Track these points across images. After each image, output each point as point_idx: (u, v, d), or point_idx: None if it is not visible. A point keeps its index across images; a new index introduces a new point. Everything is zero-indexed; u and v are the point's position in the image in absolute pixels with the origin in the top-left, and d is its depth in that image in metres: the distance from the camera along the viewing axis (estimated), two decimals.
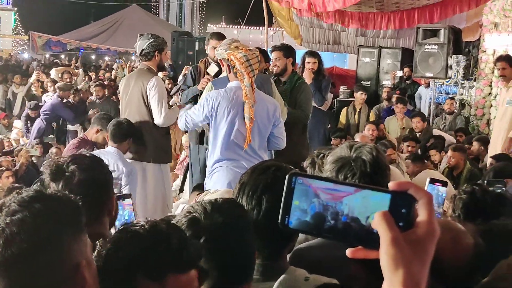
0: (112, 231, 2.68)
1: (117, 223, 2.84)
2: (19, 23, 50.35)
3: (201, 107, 5.09)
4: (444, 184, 3.68)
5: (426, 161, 7.77)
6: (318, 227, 1.04)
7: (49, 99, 11.42)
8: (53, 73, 14.48)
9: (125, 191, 5.19)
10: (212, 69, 6.48)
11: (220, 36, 6.82)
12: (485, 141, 8.86)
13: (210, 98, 5.04)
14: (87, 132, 6.67)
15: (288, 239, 2.28)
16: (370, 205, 1.02)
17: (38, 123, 10.73)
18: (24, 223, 1.51)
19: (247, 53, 5.02)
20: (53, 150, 9.24)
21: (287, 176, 1.06)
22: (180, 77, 13.89)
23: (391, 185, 1.04)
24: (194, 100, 6.39)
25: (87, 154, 2.93)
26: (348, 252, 1.05)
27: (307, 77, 7.88)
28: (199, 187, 5.42)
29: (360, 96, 11.01)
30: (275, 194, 2.11)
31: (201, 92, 6.09)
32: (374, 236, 1.00)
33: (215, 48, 6.56)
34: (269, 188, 2.18)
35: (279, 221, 1.06)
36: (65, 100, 11.04)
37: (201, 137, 6.72)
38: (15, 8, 50.26)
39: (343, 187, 1.04)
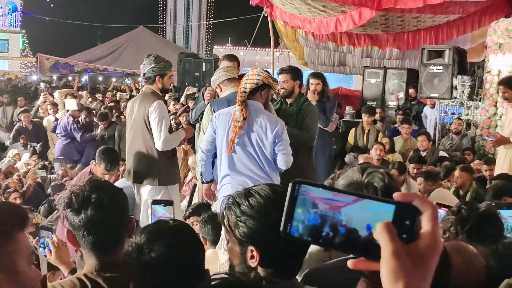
0: None
1: None
2: (27, 45, 50.71)
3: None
4: (449, 208, 3.68)
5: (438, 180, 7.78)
6: (316, 236, 1.03)
7: (60, 117, 11.49)
8: (56, 95, 14.55)
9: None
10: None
11: (232, 58, 6.92)
12: (489, 162, 8.85)
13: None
14: (95, 169, 6.69)
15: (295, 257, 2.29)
16: (369, 216, 1.01)
17: (60, 143, 10.91)
18: None
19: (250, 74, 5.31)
20: (59, 171, 9.30)
21: (290, 184, 1.05)
22: (183, 98, 13.99)
23: (395, 196, 1.02)
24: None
25: (103, 180, 2.96)
26: (350, 263, 1.03)
27: (311, 99, 7.88)
28: (202, 207, 5.59)
29: (365, 119, 11.00)
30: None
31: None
32: (376, 247, 0.98)
33: None
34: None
35: (281, 229, 1.05)
36: (76, 120, 11.13)
37: None
38: (23, 31, 50.62)
39: (342, 197, 1.02)
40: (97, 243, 2.55)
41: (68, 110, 11.65)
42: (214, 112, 5.62)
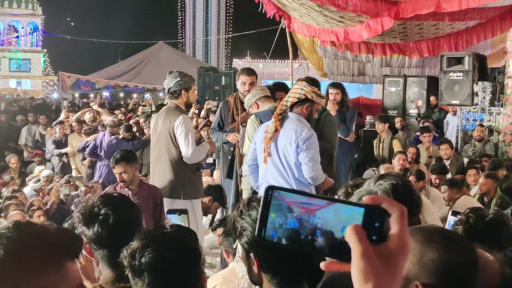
0: None
1: None
2: (48, 64, 51.35)
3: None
4: None
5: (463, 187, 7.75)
6: (293, 240, 1.05)
7: (97, 138, 11.30)
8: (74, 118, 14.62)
9: None
10: None
11: (250, 71, 7.01)
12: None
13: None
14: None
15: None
16: (343, 218, 1.03)
17: (107, 166, 10.77)
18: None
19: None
20: (82, 188, 9.36)
21: (264, 189, 1.07)
22: (203, 112, 14.05)
23: (365, 199, 1.04)
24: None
25: (115, 194, 3.00)
26: (322, 265, 1.05)
27: (331, 109, 7.91)
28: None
29: (377, 128, 11.01)
30: None
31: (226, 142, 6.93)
32: (347, 249, 1.00)
33: (245, 83, 6.82)
34: None
35: (256, 233, 1.07)
36: (120, 136, 11.04)
37: (230, 171, 6.91)
38: (45, 50, 51.28)
39: (316, 200, 1.04)
40: (109, 256, 2.63)
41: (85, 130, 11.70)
42: (261, 122, 5.85)
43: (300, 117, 5.38)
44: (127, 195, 5.68)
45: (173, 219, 3.56)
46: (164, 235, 2.25)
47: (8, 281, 1.58)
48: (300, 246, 1.04)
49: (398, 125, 11.95)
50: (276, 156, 5.39)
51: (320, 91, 7.08)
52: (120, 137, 11.00)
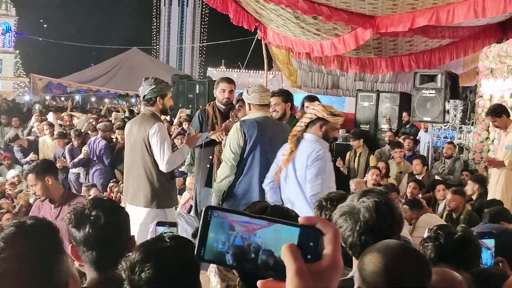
0: None
1: None
2: (20, 65, 50.81)
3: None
4: None
5: (424, 206, 7.84)
6: (237, 257, 1.07)
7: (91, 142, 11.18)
8: (50, 117, 14.49)
9: None
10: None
11: (229, 80, 7.06)
12: (480, 180, 8.94)
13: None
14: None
15: None
16: (281, 238, 1.05)
17: (101, 171, 10.71)
18: (15, 259, 1.67)
19: None
20: None
21: (203, 209, 1.09)
22: (176, 120, 14.00)
23: (300, 219, 1.07)
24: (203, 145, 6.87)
25: (105, 198, 3.02)
26: (259, 283, 1.07)
27: None
28: None
29: (353, 144, 11.20)
30: None
31: (212, 140, 6.73)
32: (283, 268, 1.02)
33: (224, 90, 6.82)
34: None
35: (195, 252, 1.08)
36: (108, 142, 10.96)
37: (209, 180, 6.88)
38: (17, 51, 50.73)
39: (257, 220, 1.07)
40: (96, 259, 2.65)
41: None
42: (244, 131, 5.78)
43: (317, 137, 5.30)
44: (49, 209, 5.63)
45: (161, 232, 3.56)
46: (164, 250, 2.22)
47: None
48: (243, 264, 1.06)
49: (387, 139, 12.08)
50: (294, 177, 5.33)
51: (293, 103, 7.17)
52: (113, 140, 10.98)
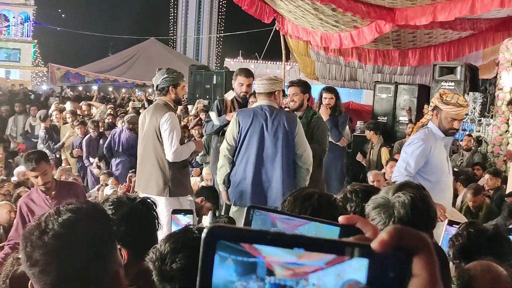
0: None
1: None
2: (38, 55, 51.02)
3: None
4: None
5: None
6: None
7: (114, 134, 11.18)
8: (68, 106, 14.53)
9: None
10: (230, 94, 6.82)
11: (248, 73, 7.02)
12: (496, 174, 8.91)
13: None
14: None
15: None
16: (322, 235, 0.86)
17: (123, 162, 10.74)
18: (73, 246, 1.65)
19: None
20: (70, 179, 9.30)
21: (245, 209, 0.98)
22: (193, 111, 13.99)
23: (340, 219, 0.90)
24: (220, 130, 6.81)
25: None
26: None
27: (324, 113, 7.94)
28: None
29: (366, 134, 11.13)
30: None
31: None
32: None
33: (242, 84, 6.79)
34: (316, 214, 2.25)
35: None
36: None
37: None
38: (35, 41, 50.96)
39: (297, 218, 0.97)
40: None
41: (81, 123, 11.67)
42: (239, 121, 5.81)
43: (429, 126, 5.44)
44: (44, 201, 5.60)
45: (181, 219, 3.57)
46: (195, 240, 2.23)
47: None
48: None
49: (408, 130, 12.00)
50: None
51: (311, 94, 7.14)
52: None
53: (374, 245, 0.70)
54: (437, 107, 5.24)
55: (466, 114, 6.00)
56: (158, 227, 2.96)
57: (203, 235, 0.69)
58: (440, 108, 5.20)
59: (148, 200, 3.04)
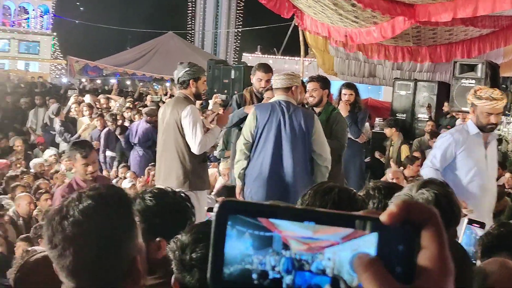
0: None
1: None
2: (57, 48, 51.32)
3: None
4: (482, 225, 3.65)
5: None
6: None
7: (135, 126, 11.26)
8: (88, 98, 14.59)
9: None
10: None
11: (267, 68, 7.01)
12: None
13: None
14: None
15: None
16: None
17: (140, 155, 10.77)
18: (90, 234, 1.67)
19: None
20: None
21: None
22: (210, 105, 14.00)
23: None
24: (239, 123, 6.75)
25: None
26: None
27: (343, 109, 7.91)
28: None
29: (386, 131, 11.10)
30: None
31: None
32: None
33: (261, 80, 6.78)
34: (336, 208, 2.25)
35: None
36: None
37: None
38: (54, 33, 51.25)
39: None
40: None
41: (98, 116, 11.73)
42: (256, 115, 5.80)
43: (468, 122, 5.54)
44: None
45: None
46: None
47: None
48: None
49: (428, 128, 11.92)
50: None
51: (330, 90, 7.12)
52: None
53: (383, 218, 0.69)
54: (473, 104, 5.20)
55: (505, 107, 5.90)
56: (193, 220, 2.97)
57: (215, 209, 0.70)
58: (475, 104, 5.16)
59: (183, 194, 3.06)
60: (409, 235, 0.69)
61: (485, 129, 5.21)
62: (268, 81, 6.94)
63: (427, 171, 5.23)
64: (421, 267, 0.68)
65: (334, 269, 0.69)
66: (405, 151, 10.67)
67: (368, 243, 0.69)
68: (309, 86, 6.89)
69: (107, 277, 1.69)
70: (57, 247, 1.65)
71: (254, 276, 0.69)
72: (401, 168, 9.26)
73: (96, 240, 1.67)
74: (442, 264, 0.67)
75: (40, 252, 2.34)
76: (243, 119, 6.61)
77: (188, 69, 6.29)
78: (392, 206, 0.69)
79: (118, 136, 11.34)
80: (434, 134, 11.01)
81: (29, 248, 3.86)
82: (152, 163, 10.06)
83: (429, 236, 0.68)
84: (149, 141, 10.61)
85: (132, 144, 10.81)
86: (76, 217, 1.67)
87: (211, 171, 8.64)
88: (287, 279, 0.69)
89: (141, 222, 2.66)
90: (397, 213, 0.69)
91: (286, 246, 0.69)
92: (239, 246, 0.69)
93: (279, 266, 0.69)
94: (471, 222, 3.68)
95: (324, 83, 6.92)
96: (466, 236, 3.54)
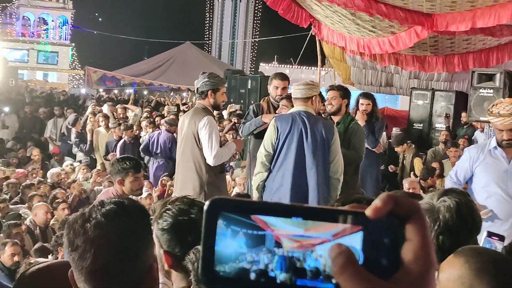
0: None
1: None
2: (75, 58, 51.75)
3: None
4: (501, 238, 3.59)
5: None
6: None
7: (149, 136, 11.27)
8: (105, 108, 14.66)
9: None
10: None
11: (283, 77, 7.01)
12: None
13: None
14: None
15: None
16: None
17: (160, 164, 10.76)
18: (110, 236, 1.72)
19: None
20: (105, 183, 9.39)
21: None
22: (226, 116, 14.00)
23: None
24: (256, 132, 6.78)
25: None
26: None
27: (360, 119, 7.88)
28: None
29: (397, 149, 11.14)
30: None
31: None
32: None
33: (277, 88, 6.77)
34: None
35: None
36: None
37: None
38: (73, 44, 51.69)
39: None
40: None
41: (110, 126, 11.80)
42: (277, 126, 5.73)
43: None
44: None
45: None
46: None
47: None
48: None
49: (442, 137, 11.83)
50: None
51: (350, 101, 7.09)
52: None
53: (369, 212, 0.70)
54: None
55: None
56: None
57: (205, 206, 0.72)
58: (489, 120, 5.13)
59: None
60: (394, 228, 0.71)
61: (501, 144, 5.13)
62: (284, 89, 6.92)
63: (448, 184, 5.23)
64: (405, 259, 0.69)
65: (326, 266, 0.70)
66: (418, 164, 10.61)
67: (357, 238, 0.71)
68: (329, 94, 6.87)
69: (124, 281, 1.72)
70: (78, 249, 1.69)
71: (249, 273, 0.70)
72: (417, 178, 9.22)
73: (116, 242, 1.71)
74: (426, 256, 0.69)
75: (42, 263, 2.36)
76: (259, 128, 6.62)
77: (207, 79, 6.26)
78: (377, 200, 0.71)
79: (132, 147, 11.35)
80: (451, 144, 10.93)
81: (32, 260, 3.88)
82: (166, 173, 10.07)
83: (413, 229, 0.70)
84: (170, 151, 10.60)
85: (153, 154, 10.81)
86: (98, 219, 1.72)
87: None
88: (281, 277, 0.70)
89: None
90: (382, 206, 0.70)
91: (278, 244, 0.71)
92: (233, 245, 0.71)
93: (272, 264, 0.70)
94: (490, 234, 3.63)
95: (344, 92, 6.89)
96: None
